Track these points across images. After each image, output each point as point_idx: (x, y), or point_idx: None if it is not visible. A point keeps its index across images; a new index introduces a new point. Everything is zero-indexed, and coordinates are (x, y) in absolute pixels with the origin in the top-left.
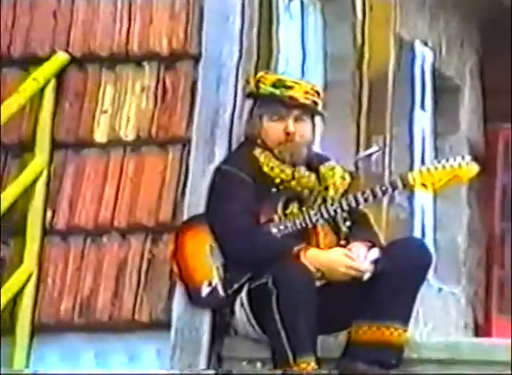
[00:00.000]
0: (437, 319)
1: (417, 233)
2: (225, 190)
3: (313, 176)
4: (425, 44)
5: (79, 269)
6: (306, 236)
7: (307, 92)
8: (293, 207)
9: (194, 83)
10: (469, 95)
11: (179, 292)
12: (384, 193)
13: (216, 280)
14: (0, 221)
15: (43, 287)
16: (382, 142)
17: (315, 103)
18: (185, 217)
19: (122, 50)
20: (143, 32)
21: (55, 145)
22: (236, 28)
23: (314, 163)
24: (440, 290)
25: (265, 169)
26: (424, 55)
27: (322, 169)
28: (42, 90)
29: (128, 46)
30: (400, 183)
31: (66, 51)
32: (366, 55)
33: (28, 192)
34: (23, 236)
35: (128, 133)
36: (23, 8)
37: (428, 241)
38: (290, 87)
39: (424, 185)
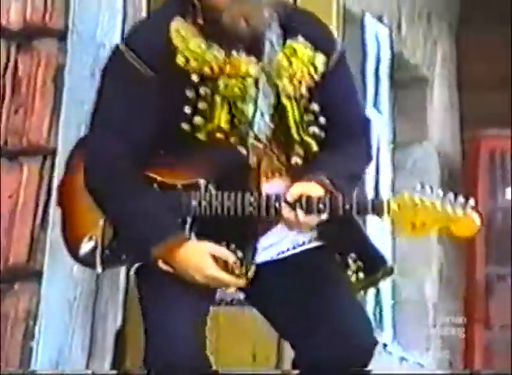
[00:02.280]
0: None
1: None
2: (107, 90)
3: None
4: (379, 18)
5: None
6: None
7: None
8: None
9: (59, 70)
10: (440, 90)
11: (39, 361)
12: (345, 212)
13: (98, 238)
14: None
15: None
16: None
17: None
18: (47, 258)
19: None
20: None
21: None
22: None
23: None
24: (403, 360)
25: (180, 60)
26: (377, 35)
27: (277, 49)
28: None
29: None
30: (369, 207)
31: None
32: None
33: None
34: None
35: None
36: None
37: (385, 291)
38: None
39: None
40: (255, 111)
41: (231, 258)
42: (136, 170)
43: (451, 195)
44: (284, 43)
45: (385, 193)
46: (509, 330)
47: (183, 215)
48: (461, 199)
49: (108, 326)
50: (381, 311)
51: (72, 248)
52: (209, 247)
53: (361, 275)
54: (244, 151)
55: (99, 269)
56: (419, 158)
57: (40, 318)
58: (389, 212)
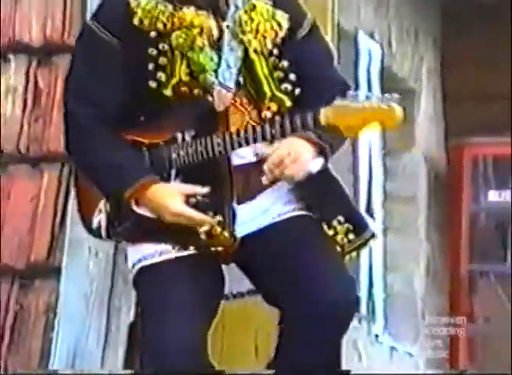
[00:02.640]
0: None
1: (363, 276)
2: (75, 60)
3: (211, 21)
4: (371, 35)
5: None
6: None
7: None
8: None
9: None
10: (426, 101)
11: (58, 351)
12: (294, 130)
13: (103, 210)
14: None
15: None
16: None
17: None
18: (65, 256)
19: None
20: (8, 17)
21: None
22: None
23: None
24: (393, 350)
25: (135, 20)
26: (369, 50)
27: (240, 9)
28: None
29: None
30: (310, 121)
31: None
32: None
33: None
34: None
35: None
36: None
37: (377, 286)
38: None
39: (337, 126)
40: (219, 62)
41: (202, 190)
42: (108, 129)
43: (378, 94)
44: None
45: (378, 196)
46: (491, 323)
47: (167, 169)
48: (387, 96)
49: (121, 319)
50: (373, 304)
51: (87, 223)
52: (178, 186)
53: (352, 236)
54: (210, 99)
55: (104, 236)
56: (408, 163)
57: (59, 311)
58: (326, 121)
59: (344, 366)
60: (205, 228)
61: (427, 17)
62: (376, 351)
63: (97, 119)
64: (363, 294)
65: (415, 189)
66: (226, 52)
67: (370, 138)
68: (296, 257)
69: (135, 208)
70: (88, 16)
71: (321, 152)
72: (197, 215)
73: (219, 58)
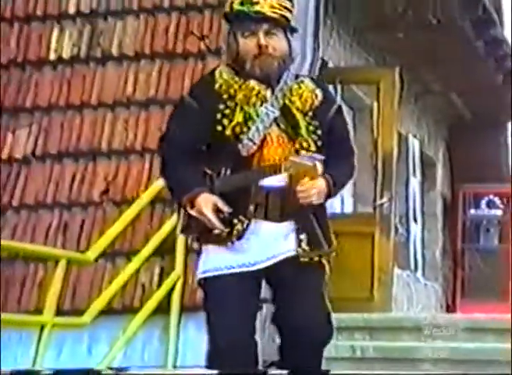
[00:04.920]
0: (424, 302)
1: (411, 251)
2: (172, 117)
3: (267, 92)
4: (415, 136)
5: None
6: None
7: (273, 6)
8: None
9: None
10: (442, 168)
11: None
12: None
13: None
14: (162, 245)
15: (187, 284)
16: (389, 195)
17: (285, 18)
18: None
19: None
20: None
21: None
22: None
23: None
24: (426, 285)
25: (216, 85)
26: (414, 144)
27: (289, 84)
28: None
29: None
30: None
31: None
32: (379, 144)
33: (177, 226)
34: (174, 253)
35: None
36: None
37: (419, 255)
38: (256, 3)
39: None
40: (262, 112)
41: (227, 209)
42: (183, 161)
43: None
44: None
45: (419, 212)
46: (472, 271)
47: (214, 193)
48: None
49: None
50: (416, 264)
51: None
52: (214, 198)
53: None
54: (240, 146)
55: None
56: (432, 197)
57: None
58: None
59: (402, 297)
60: (217, 231)
61: (442, 129)
62: (418, 287)
63: (177, 154)
64: (412, 259)
65: (436, 209)
66: (260, 118)
67: (414, 185)
68: (299, 292)
69: (189, 209)
70: None
71: (329, 189)
72: (214, 220)
73: (263, 106)
